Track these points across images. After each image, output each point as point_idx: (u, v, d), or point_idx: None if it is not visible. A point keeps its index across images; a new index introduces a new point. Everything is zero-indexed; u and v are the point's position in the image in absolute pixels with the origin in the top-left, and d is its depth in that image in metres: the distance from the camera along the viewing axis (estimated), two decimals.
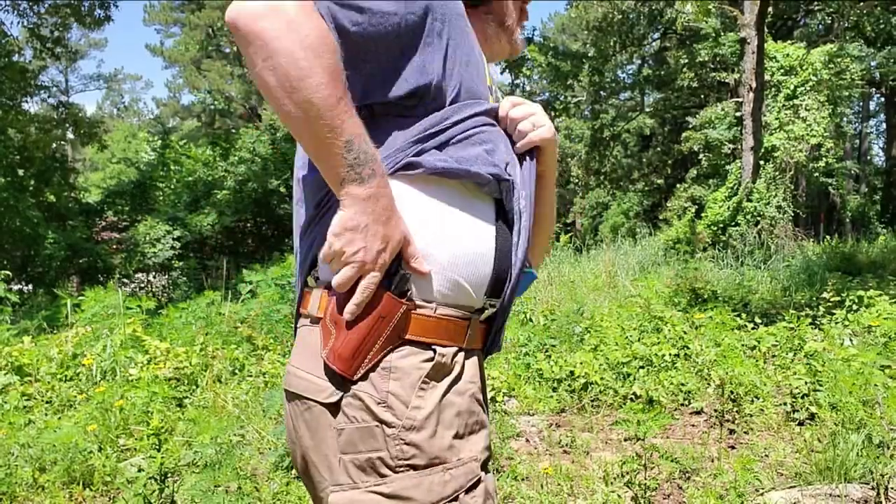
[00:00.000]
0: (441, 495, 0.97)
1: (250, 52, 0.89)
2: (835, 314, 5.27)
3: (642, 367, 4.35)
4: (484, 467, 1.05)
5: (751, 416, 3.65)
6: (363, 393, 0.98)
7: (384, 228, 0.95)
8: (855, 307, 5.44)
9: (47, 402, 4.17)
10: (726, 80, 18.01)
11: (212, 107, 30.69)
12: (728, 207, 13.88)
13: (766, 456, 3.20)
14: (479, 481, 1.02)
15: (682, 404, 4.05)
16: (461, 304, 1.05)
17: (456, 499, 0.99)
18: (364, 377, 0.98)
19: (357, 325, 0.97)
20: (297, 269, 1.13)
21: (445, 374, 1.02)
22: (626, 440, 3.50)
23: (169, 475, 2.66)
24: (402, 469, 0.97)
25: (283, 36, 0.87)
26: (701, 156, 20.63)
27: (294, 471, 2.99)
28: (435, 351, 1.01)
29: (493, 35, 1.28)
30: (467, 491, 1.00)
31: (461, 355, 1.05)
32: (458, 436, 1.02)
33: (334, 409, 1.00)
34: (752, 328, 5.15)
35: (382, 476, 0.97)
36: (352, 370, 0.98)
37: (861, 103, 33.13)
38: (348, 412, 0.99)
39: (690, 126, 20.95)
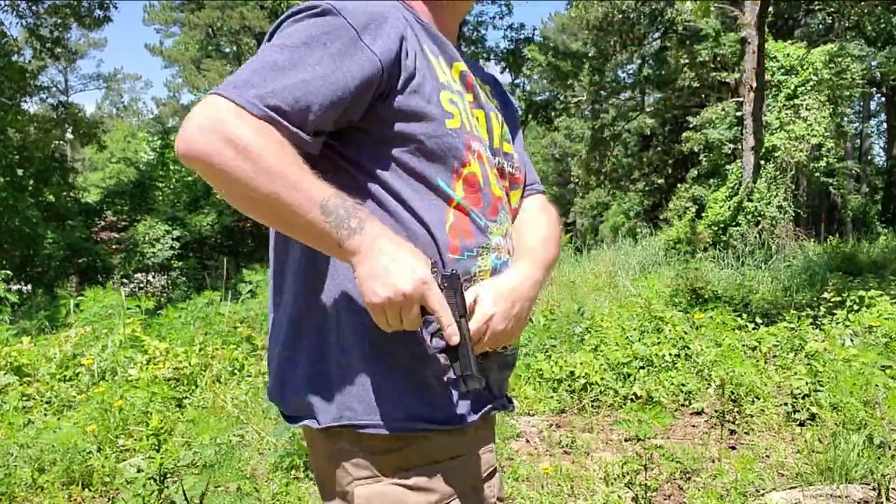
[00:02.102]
0: (461, 486, 0.99)
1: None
2: (836, 314, 5.25)
3: (643, 368, 4.34)
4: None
5: (751, 416, 3.64)
6: None
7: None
8: (856, 307, 5.42)
9: (46, 403, 4.15)
10: (727, 80, 17.94)
11: None
12: (729, 207, 13.84)
13: (767, 456, 3.20)
14: (495, 470, 1.05)
15: (683, 405, 4.04)
16: None
17: (477, 489, 1.01)
18: None
19: None
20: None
21: None
22: (626, 440, 3.49)
23: (168, 476, 2.65)
24: (425, 463, 0.98)
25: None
26: (701, 156, 20.59)
27: (294, 471, 3.00)
28: None
29: None
30: (485, 480, 1.02)
31: None
32: None
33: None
34: (753, 328, 5.14)
35: (406, 470, 0.98)
36: None
37: (862, 103, 33.09)
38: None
39: (691, 126, 20.91)
